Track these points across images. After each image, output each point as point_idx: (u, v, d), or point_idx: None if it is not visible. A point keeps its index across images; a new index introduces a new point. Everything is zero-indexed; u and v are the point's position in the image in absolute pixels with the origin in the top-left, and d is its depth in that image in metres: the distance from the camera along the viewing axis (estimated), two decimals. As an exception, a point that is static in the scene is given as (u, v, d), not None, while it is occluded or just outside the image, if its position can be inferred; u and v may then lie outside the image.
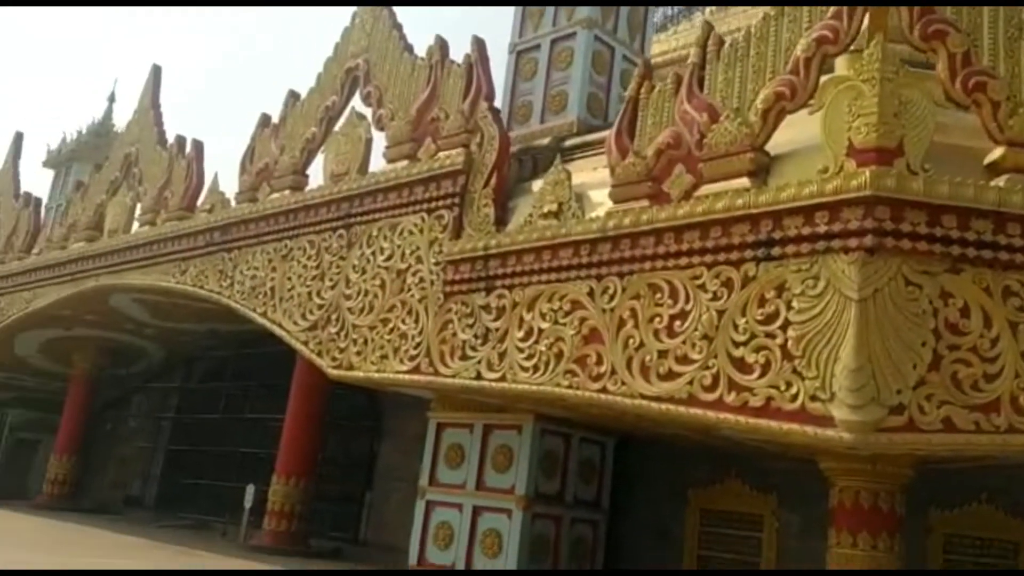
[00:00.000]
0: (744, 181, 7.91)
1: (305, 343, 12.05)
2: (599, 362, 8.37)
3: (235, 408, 18.62)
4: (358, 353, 11.15)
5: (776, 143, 8.06)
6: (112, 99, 30.87)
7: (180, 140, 16.67)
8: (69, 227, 18.57)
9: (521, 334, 9.21)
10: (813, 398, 6.88)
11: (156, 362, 21.39)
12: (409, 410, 14.51)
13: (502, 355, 9.34)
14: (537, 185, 10.30)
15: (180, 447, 20.64)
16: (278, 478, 14.04)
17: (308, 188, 13.35)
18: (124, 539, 13.75)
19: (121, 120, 27.97)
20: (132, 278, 15.93)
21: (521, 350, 9.15)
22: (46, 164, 29.50)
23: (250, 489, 15.08)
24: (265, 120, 14.69)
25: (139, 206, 16.88)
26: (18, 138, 22.93)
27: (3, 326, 19.04)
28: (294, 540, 13.63)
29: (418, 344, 10.37)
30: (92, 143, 28.15)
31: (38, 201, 21.32)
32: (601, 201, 9.26)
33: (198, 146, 16.26)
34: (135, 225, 16.74)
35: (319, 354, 11.75)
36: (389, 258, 11.22)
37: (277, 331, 12.63)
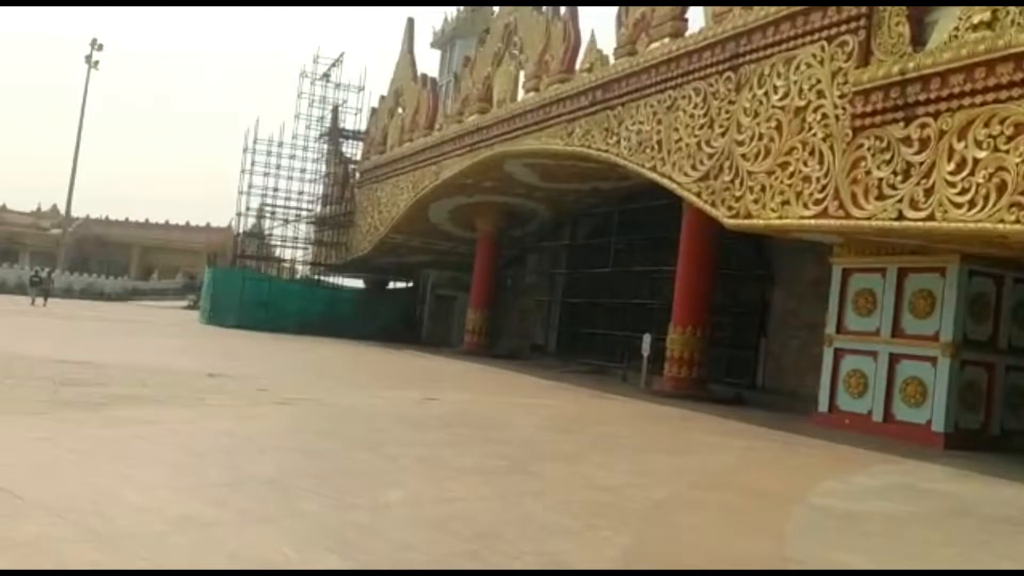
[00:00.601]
0: None
1: (697, 194, 11.95)
2: (1059, 191, 7.19)
3: (623, 262, 19.38)
4: (755, 201, 10.80)
5: None
6: (480, -28, 32.48)
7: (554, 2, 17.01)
8: (462, 101, 20.16)
9: (951, 166, 8.20)
10: None
11: (546, 222, 22.93)
12: (802, 256, 14.00)
13: (928, 191, 8.42)
14: (964, -9, 8.87)
15: (574, 300, 22.23)
16: (675, 327, 14.43)
17: (688, 33, 12.92)
18: (538, 382, 15.24)
19: (491, -7, 29.31)
20: (523, 144, 16.95)
21: (952, 184, 8.16)
22: (433, 45, 32.11)
23: (647, 338, 15.76)
24: (638, -32, 14.35)
25: (522, 74, 17.70)
26: (410, 24, 25.13)
27: (419, 197, 21.57)
28: (695, 386, 14.07)
29: (824, 187, 9.73)
30: (469, 18, 29.95)
31: (434, 81, 23.45)
32: (1056, -2, 7.72)
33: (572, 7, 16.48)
34: (520, 93, 17.63)
35: (713, 204, 11.60)
36: (784, 96, 10.53)
37: (667, 184, 12.66)
